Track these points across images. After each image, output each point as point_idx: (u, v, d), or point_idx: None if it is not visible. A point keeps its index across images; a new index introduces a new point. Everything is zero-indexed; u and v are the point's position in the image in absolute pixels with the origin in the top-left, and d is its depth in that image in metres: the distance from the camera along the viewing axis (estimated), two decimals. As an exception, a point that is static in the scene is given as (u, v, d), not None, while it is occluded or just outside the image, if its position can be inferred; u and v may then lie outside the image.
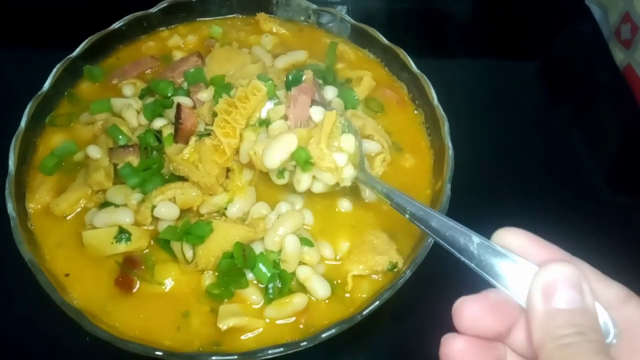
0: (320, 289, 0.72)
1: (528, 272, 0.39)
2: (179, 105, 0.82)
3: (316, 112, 0.77)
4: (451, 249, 0.47)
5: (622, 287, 0.39)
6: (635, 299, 0.39)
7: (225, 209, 0.77)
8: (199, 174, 0.77)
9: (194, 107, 0.85)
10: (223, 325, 0.68)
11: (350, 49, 1.01)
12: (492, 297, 0.41)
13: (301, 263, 0.74)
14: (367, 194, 0.82)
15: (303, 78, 0.83)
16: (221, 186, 0.78)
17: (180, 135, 0.81)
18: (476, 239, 0.45)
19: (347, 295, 0.73)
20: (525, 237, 0.41)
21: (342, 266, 0.75)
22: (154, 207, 0.76)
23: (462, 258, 0.45)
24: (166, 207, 0.76)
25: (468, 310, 0.41)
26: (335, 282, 0.74)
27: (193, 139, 0.80)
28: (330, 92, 0.90)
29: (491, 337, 0.41)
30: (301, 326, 0.70)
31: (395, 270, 0.74)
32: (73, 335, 0.69)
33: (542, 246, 0.41)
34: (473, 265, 0.44)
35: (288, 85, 0.83)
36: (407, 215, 0.61)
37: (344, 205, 0.81)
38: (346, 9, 1.24)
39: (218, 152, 0.77)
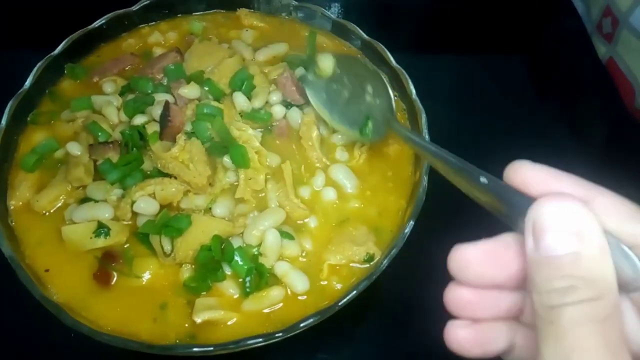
0: (299, 283, 0.72)
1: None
2: (167, 103, 0.82)
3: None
4: (464, 188, 0.43)
5: None
6: None
7: (210, 208, 0.77)
8: (190, 173, 0.77)
9: (175, 103, 0.85)
10: (198, 318, 0.68)
11: (329, 40, 1.01)
12: (495, 242, 0.38)
13: (280, 258, 0.74)
14: (349, 186, 0.82)
15: None
16: (210, 185, 0.79)
17: (168, 132, 0.82)
18: (483, 179, 0.40)
19: (324, 282, 0.74)
20: (537, 171, 0.36)
21: (319, 255, 0.75)
22: (133, 202, 0.76)
23: (475, 198, 0.41)
24: (146, 202, 0.76)
25: (464, 256, 0.37)
26: (311, 272, 0.74)
27: (182, 137, 0.80)
28: None
29: (496, 284, 0.38)
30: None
31: (372, 262, 0.74)
32: (58, 330, 0.70)
33: (559, 179, 0.35)
34: (487, 204, 0.39)
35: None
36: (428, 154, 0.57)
37: (330, 194, 0.81)
38: (333, 6, 1.25)
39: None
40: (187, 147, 0.80)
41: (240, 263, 0.72)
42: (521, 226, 0.34)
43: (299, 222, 0.78)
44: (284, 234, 0.75)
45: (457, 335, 0.38)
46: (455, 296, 0.38)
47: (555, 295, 0.31)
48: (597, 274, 0.31)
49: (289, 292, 0.72)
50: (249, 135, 0.82)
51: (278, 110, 0.87)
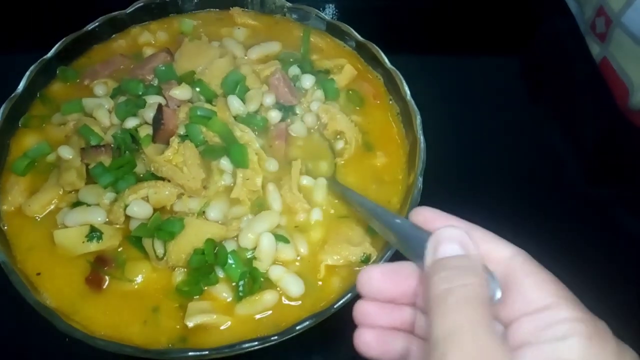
0: (293, 287, 0.72)
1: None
2: (160, 106, 0.82)
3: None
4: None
5: (513, 247, 0.44)
6: (521, 255, 0.44)
7: (204, 211, 0.77)
8: (184, 177, 0.77)
9: (167, 105, 0.84)
10: (190, 322, 0.67)
11: (323, 41, 1.00)
12: (393, 265, 0.48)
13: (275, 262, 0.74)
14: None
15: None
16: (204, 188, 0.78)
17: (161, 135, 0.81)
18: (397, 220, 0.53)
19: (320, 283, 0.73)
20: (433, 213, 0.48)
21: (315, 259, 0.75)
22: (126, 206, 0.75)
23: (387, 237, 0.55)
24: (139, 205, 0.75)
25: (368, 275, 0.48)
26: (307, 275, 0.73)
27: (176, 140, 0.80)
28: (307, 81, 0.90)
29: (392, 298, 0.48)
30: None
31: (369, 262, 0.74)
32: (51, 334, 0.69)
33: (446, 220, 0.47)
34: (395, 243, 0.52)
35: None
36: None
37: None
38: (327, 7, 1.24)
39: None
40: (181, 150, 0.79)
41: (234, 267, 0.71)
42: (419, 254, 0.45)
43: (297, 217, 0.78)
44: (279, 238, 0.74)
45: (363, 338, 0.47)
46: (360, 308, 0.48)
47: (444, 282, 0.40)
48: (475, 268, 0.42)
49: (283, 296, 0.72)
50: (250, 137, 0.81)
51: (274, 116, 0.86)
